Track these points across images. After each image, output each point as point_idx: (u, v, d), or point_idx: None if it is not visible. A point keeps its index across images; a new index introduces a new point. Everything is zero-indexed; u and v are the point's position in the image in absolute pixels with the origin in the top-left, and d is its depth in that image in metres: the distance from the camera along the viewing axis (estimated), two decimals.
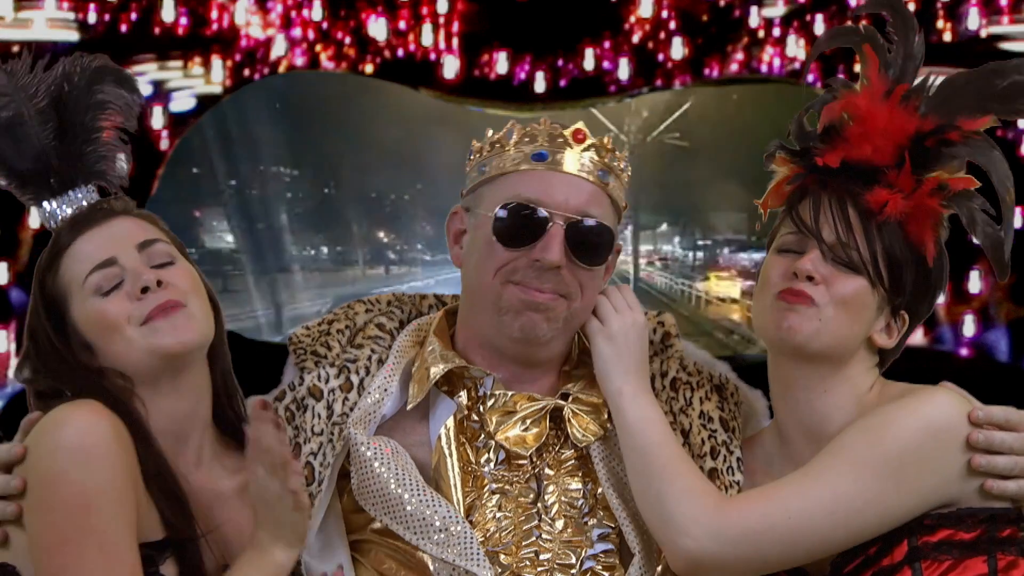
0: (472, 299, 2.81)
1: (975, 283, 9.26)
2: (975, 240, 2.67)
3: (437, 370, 2.74)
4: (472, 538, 2.59)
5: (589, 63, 9.91)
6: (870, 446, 2.52)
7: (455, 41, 9.84)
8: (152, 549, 2.48)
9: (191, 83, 9.84)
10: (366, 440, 2.66)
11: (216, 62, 9.80)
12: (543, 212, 2.70)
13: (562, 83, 9.94)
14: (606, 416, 2.76)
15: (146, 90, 9.43)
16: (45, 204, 2.74)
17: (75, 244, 2.66)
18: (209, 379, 2.74)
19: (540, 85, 9.92)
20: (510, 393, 2.74)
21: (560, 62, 9.94)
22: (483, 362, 2.78)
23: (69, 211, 2.73)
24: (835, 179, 2.67)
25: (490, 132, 2.81)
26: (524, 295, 2.70)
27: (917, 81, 2.72)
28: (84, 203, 2.73)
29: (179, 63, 9.77)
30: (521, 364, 2.78)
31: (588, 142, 2.75)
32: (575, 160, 2.74)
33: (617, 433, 2.70)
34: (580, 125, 2.77)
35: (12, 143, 2.73)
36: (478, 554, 2.58)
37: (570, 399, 2.77)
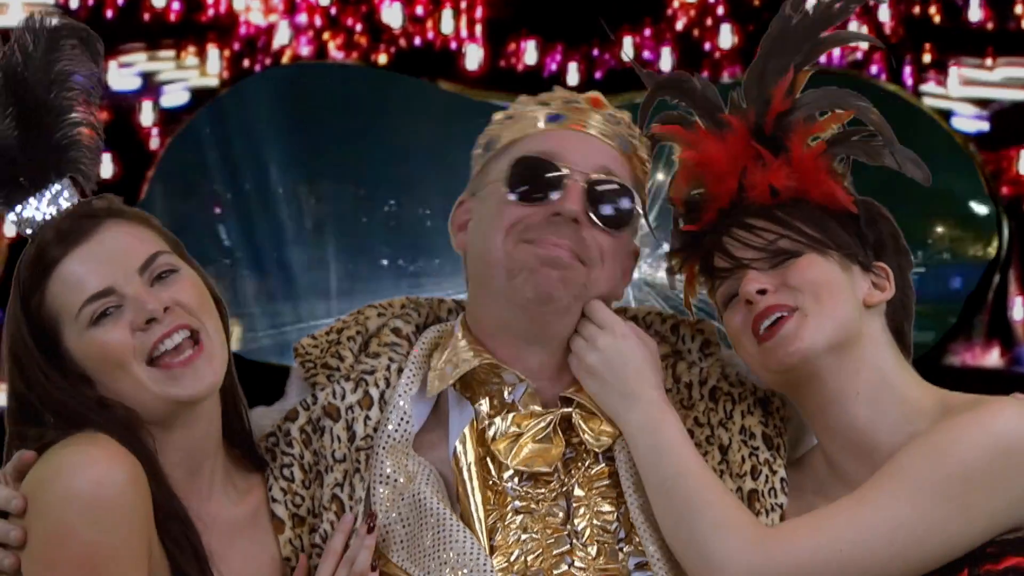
0: (479, 276, 2.81)
1: None
2: (887, 164, 2.74)
3: (467, 356, 2.76)
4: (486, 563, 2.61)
5: (628, 53, 9.87)
6: (932, 467, 2.52)
7: (478, 28, 10.00)
8: None
9: (184, 75, 9.92)
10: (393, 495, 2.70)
11: (212, 52, 9.89)
12: (561, 167, 2.73)
13: (597, 75, 10.01)
14: None
15: (134, 83, 9.70)
16: (17, 208, 2.60)
17: (64, 263, 2.53)
18: (219, 395, 2.69)
19: (573, 77, 9.95)
20: (511, 416, 2.74)
21: (595, 52, 9.99)
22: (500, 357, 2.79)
23: (51, 212, 2.59)
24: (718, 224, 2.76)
25: (497, 115, 2.88)
26: (540, 250, 2.70)
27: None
28: (64, 203, 2.60)
29: (171, 53, 9.85)
30: (532, 341, 2.77)
31: (607, 110, 2.83)
32: (594, 122, 2.82)
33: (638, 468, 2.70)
34: (596, 93, 2.85)
35: None
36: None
37: (574, 404, 2.78)
